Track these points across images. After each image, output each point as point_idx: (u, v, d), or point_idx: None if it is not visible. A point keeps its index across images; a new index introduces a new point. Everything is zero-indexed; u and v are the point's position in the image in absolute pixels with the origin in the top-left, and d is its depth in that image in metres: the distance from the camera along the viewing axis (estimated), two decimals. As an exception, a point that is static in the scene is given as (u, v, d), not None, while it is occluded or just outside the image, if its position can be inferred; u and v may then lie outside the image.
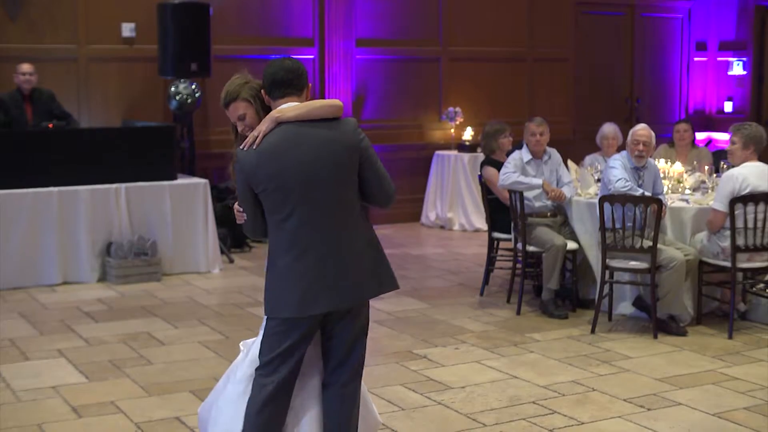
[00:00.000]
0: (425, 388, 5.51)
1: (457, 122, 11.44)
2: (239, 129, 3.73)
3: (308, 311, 3.55)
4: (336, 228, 3.58)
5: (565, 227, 7.37)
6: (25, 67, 8.86)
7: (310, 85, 3.73)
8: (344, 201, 3.60)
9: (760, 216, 6.50)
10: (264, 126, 3.56)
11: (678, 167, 7.85)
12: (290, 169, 3.52)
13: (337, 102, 3.65)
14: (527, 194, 7.26)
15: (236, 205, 3.72)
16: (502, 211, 7.64)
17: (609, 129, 8.38)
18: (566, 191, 7.24)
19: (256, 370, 3.65)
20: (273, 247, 3.64)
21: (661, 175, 7.21)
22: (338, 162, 3.57)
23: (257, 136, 3.55)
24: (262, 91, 3.67)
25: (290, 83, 3.62)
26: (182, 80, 9.42)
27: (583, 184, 7.49)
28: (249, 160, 3.55)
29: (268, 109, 3.67)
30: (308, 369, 3.74)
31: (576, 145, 11.79)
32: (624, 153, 6.95)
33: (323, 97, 11.01)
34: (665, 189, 7.20)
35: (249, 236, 3.76)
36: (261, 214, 3.64)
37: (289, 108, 3.58)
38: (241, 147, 3.59)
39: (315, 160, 3.54)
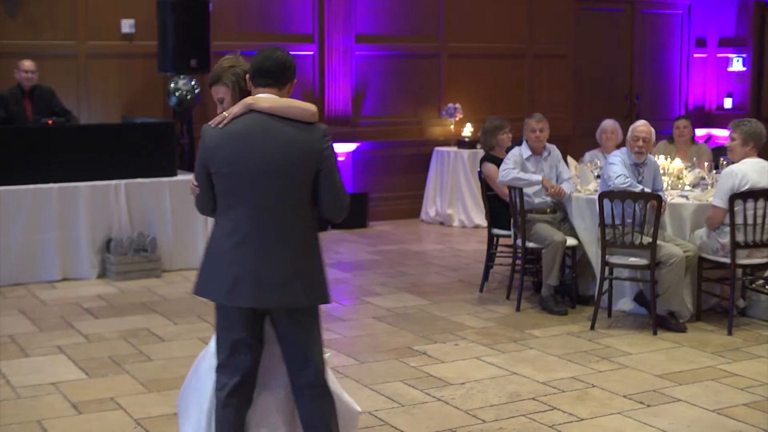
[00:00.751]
0: (425, 384, 5.51)
1: (457, 118, 11.44)
2: (218, 111, 3.74)
3: (233, 302, 3.55)
4: (279, 227, 3.55)
5: (565, 223, 7.37)
6: (27, 65, 8.85)
7: (295, 81, 3.70)
8: (294, 203, 3.57)
9: (760, 212, 6.49)
10: (236, 109, 3.57)
11: (678, 163, 7.85)
12: (247, 159, 3.51)
13: (312, 108, 3.61)
14: (527, 190, 7.25)
15: (193, 178, 3.72)
16: (501, 207, 7.64)
17: (608, 123, 8.41)
18: (566, 187, 7.24)
19: (216, 370, 3.67)
20: (216, 229, 3.64)
21: (661, 171, 7.21)
22: (296, 164, 3.53)
23: (226, 117, 3.56)
24: (247, 75, 3.67)
25: (274, 75, 3.60)
26: (182, 76, 9.42)
27: (582, 180, 7.49)
28: (211, 138, 3.57)
29: (247, 95, 3.67)
30: (271, 372, 3.74)
31: (575, 141, 11.80)
32: (623, 149, 6.95)
33: (323, 95, 11.01)
34: (665, 185, 7.20)
35: (198, 211, 3.76)
36: (213, 194, 3.63)
37: (265, 99, 3.58)
38: (209, 123, 3.61)
39: (274, 156, 3.52)
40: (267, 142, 3.52)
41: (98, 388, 5.44)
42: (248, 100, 3.58)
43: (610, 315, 6.93)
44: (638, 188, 6.64)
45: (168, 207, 8.59)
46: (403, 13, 11.52)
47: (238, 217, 3.55)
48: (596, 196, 6.76)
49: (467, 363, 5.92)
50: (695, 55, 13.63)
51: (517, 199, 7.18)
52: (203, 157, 3.59)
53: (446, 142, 11.53)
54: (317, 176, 3.58)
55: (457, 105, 11.40)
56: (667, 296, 6.58)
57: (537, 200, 7.34)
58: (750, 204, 6.47)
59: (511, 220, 7.45)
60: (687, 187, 7.40)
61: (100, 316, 7.05)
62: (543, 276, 7.15)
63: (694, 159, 8.15)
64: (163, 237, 8.56)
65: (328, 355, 3.92)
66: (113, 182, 8.43)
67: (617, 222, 6.56)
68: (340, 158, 10.96)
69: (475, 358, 6.01)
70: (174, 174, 8.74)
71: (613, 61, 13.12)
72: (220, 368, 3.66)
